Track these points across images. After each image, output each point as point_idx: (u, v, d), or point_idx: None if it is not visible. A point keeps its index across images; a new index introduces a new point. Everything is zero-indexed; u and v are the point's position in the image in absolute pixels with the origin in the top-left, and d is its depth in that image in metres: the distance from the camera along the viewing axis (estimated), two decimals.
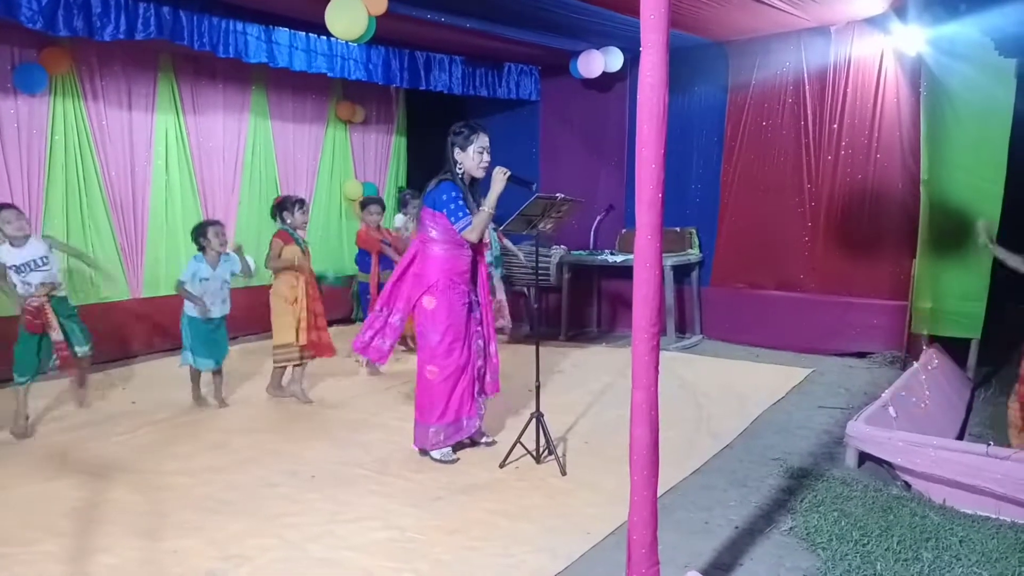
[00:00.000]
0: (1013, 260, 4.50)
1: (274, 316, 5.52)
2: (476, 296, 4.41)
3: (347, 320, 8.12)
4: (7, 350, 4.88)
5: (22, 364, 4.86)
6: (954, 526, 3.35)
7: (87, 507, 3.75)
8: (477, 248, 4.38)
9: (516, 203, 4.14)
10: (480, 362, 4.42)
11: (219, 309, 5.37)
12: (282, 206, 5.60)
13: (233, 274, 5.46)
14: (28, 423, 4.91)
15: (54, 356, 4.90)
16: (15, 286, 4.78)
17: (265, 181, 8.20)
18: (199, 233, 5.33)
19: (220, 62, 6.76)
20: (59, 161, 6.55)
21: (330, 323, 5.99)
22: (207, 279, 5.30)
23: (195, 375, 5.47)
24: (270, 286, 5.63)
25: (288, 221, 5.54)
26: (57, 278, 4.97)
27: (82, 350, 5.03)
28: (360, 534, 3.43)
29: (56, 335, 4.84)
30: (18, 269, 4.77)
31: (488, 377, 4.47)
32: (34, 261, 4.82)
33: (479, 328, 4.42)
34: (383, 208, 6.69)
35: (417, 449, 4.38)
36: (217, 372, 5.49)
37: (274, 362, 5.60)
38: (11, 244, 4.78)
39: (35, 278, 4.81)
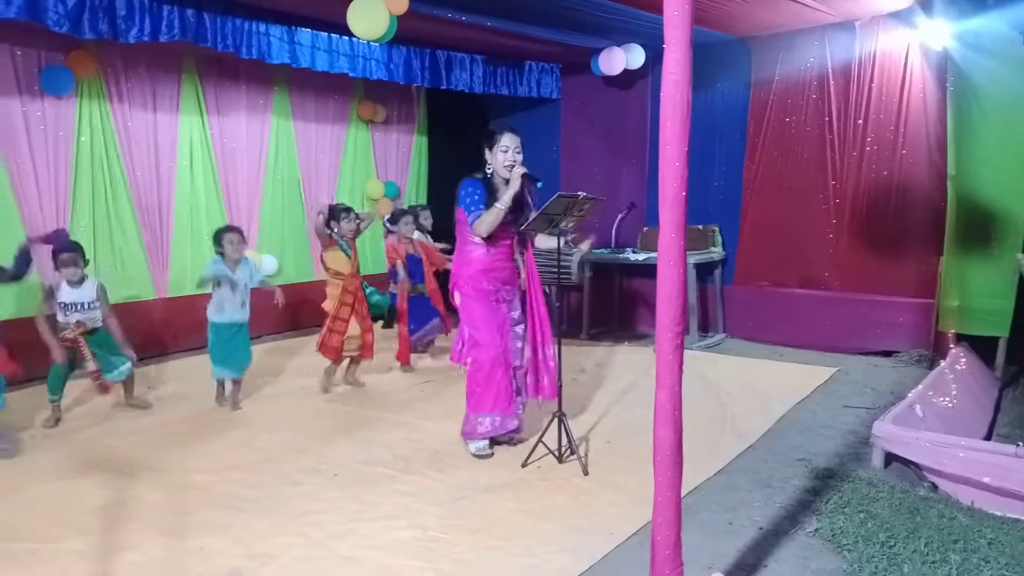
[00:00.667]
0: None
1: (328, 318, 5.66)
2: (511, 295, 4.43)
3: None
4: (29, 348, 4.97)
5: (54, 385, 5.07)
6: (983, 528, 3.29)
7: (112, 505, 3.79)
8: (511, 246, 4.43)
9: (541, 202, 4.15)
10: (517, 362, 4.43)
11: (239, 314, 5.41)
12: (329, 214, 5.69)
13: (258, 281, 5.55)
14: (55, 417, 5.14)
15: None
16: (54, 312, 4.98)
17: (288, 181, 8.26)
18: (216, 239, 5.41)
19: (243, 63, 6.82)
20: (85, 163, 6.64)
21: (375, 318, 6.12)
22: (233, 284, 5.38)
23: (221, 383, 5.54)
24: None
25: (335, 229, 5.65)
26: (97, 322, 5.11)
27: (120, 372, 5.18)
28: (383, 533, 3.44)
29: (91, 365, 5.02)
30: (65, 307, 4.97)
31: (546, 381, 4.46)
32: (82, 304, 5.02)
33: (520, 327, 4.45)
34: (406, 219, 6.65)
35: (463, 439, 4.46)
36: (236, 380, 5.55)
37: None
38: (68, 283, 5.00)
39: (75, 317, 5.00)
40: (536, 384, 4.49)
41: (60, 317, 4.97)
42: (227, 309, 5.35)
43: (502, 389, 4.34)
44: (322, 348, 5.65)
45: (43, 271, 5.57)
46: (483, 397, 4.32)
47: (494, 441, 4.48)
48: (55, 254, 5.02)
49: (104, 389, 5.17)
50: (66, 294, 4.98)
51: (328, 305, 5.67)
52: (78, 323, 4.98)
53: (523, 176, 4.20)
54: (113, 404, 5.42)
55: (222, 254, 5.35)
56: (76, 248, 5.06)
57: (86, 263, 5.11)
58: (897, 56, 6.53)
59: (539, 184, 4.31)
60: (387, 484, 4.02)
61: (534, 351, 4.45)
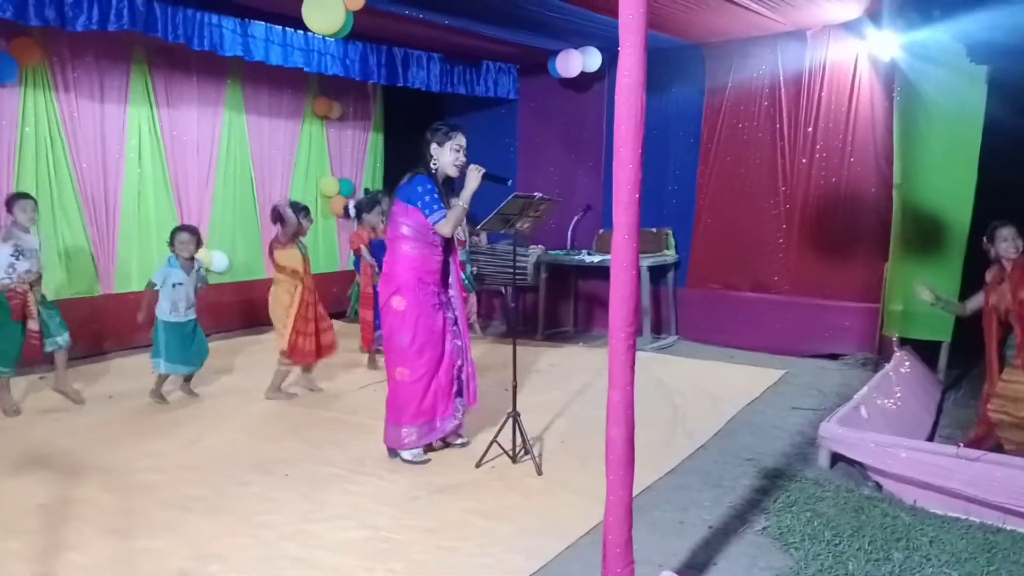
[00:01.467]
0: (956, 307, 4.78)
1: (276, 321, 5.54)
2: (447, 296, 4.37)
3: (341, 315, 8.12)
4: None
5: (6, 356, 4.96)
6: (924, 526, 3.39)
7: (56, 504, 3.69)
8: (449, 247, 4.35)
9: (492, 202, 4.13)
10: (460, 362, 4.38)
11: (192, 313, 5.40)
12: (280, 212, 5.58)
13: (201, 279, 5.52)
14: (15, 403, 5.11)
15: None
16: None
17: (240, 176, 8.12)
18: (171, 239, 5.37)
19: (195, 55, 6.68)
20: (30, 153, 6.45)
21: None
22: (181, 284, 5.31)
23: (162, 379, 5.43)
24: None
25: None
26: (41, 269, 5.10)
27: (63, 339, 5.15)
28: (334, 533, 3.41)
29: (33, 324, 4.97)
30: (19, 253, 4.91)
31: (471, 386, 4.42)
32: (33, 250, 5.01)
33: (455, 328, 4.38)
34: (375, 209, 6.59)
35: (387, 448, 4.35)
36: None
37: (280, 363, 5.57)
38: (20, 230, 5.00)
39: (23, 266, 4.94)
40: (459, 383, 4.41)
41: (2, 271, 4.87)
42: (181, 308, 5.31)
43: (440, 394, 4.26)
44: (293, 355, 5.49)
45: None
46: (419, 409, 4.20)
47: (445, 443, 4.45)
48: (9, 200, 5.09)
49: (36, 354, 5.09)
50: (25, 240, 4.96)
51: (279, 309, 5.49)
52: (27, 272, 4.93)
53: (486, 176, 4.12)
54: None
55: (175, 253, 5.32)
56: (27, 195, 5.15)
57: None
58: (846, 66, 6.67)
59: (510, 182, 4.28)
60: (339, 484, 3.98)
61: (464, 348, 4.41)
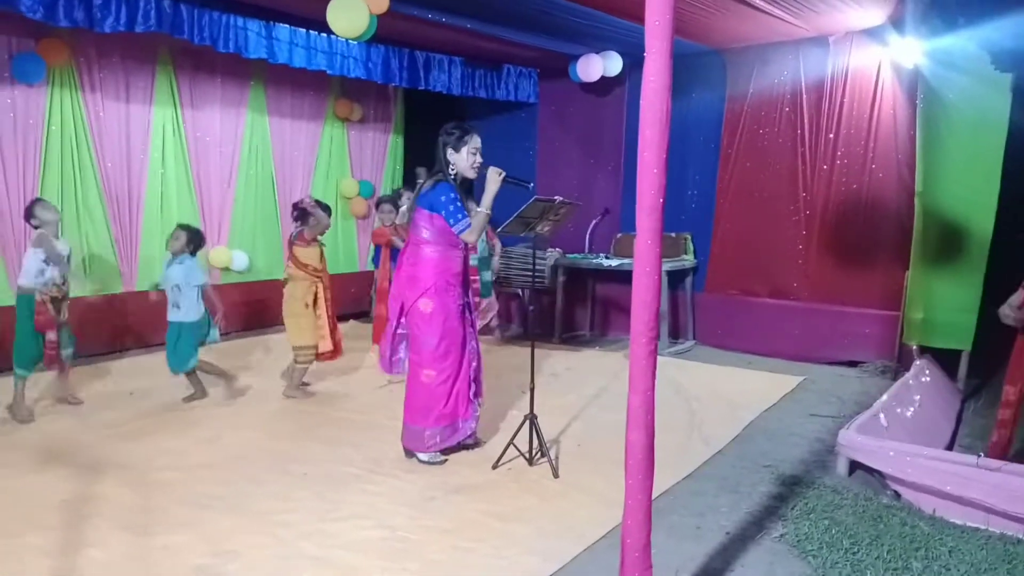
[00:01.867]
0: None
1: (291, 318, 5.57)
2: (467, 299, 4.39)
3: (363, 315, 8.19)
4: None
5: (23, 358, 4.97)
6: (944, 536, 3.36)
7: (76, 501, 3.73)
8: (468, 250, 4.37)
9: (511, 205, 4.14)
10: (475, 363, 4.40)
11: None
12: (307, 210, 5.64)
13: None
14: (29, 410, 5.05)
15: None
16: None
17: (261, 177, 8.19)
18: (201, 234, 5.48)
19: (219, 57, 6.74)
20: (55, 152, 6.53)
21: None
22: (205, 284, 5.41)
23: (196, 373, 5.51)
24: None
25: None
26: (68, 276, 5.10)
27: (66, 353, 5.15)
28: (351, 533, 3.43)
29: (52, 335, 4.97)
30: (50, 260, 4.92)
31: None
32: (59, 255, 5.00)
33: (471, 329, 4.40)
34: (396, 208, 6.66)
35: (404, 449, 4.36)
36: None
37: (296, 362, 5.62)
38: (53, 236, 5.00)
39: (51, 272, 4.95)
40: (477, 384, 4.43)
41: (33, 275, 4.89)
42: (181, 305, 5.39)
43: (461, 396, 4.29)
44: (331, 353, 5.66)
45: None
46: (444, 410, 4.21)
47: (460, 444, 4.45)
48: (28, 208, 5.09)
49: (53, 362, 5.09)
50: (54, 245, 4.96)
51: (295, 306, 5.53)
52: (54, 278, 4.95)
53: (507, 179, 4.12)
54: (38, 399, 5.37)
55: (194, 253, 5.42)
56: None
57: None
58: (869, 72, 6.64)
59: (531, 185, 4.28)
60: (355, 484, 4.01)
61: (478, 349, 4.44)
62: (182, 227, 5.48)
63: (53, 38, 6.25)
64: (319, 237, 5.65)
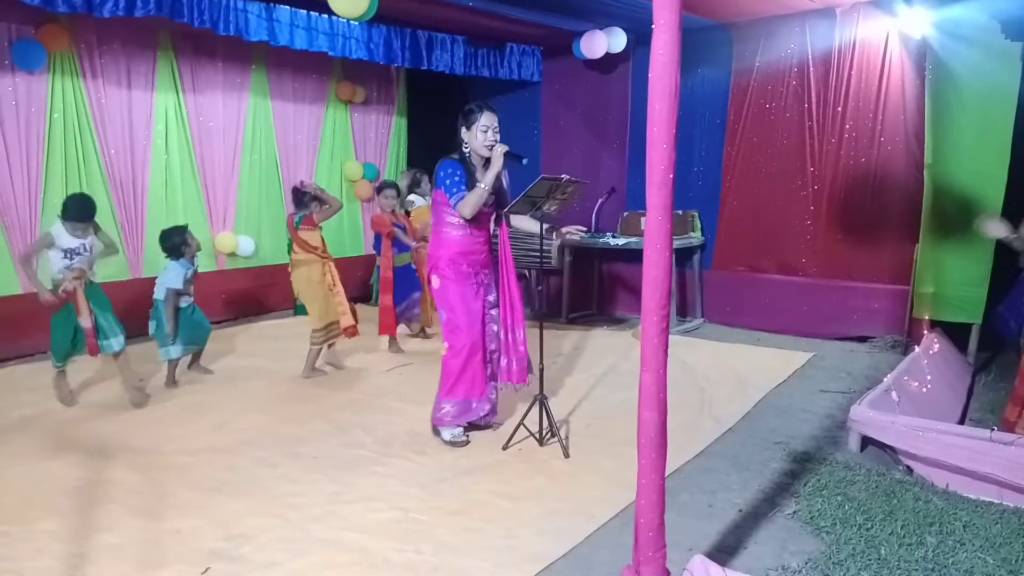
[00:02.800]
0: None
1: (311, 302, 5.62)
2: (488, 278, 4.37)
3: (365, 300, 8.17)
4: (13, 328, 4.89)
5: (59, 351, 4.96)
6: (958, 511, 3.35)
7: (88, 486, 3.74)
8: (488, 229, 4.37)
9: (519, 185, 4.11)
10: (493, 346, 4.39)
11: (189, 298, 5.54)
12: (320, 196, 5.68)
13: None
14: (71, 393, 5.11)
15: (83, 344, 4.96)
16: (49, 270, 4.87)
17: (265, 161, 8.15)
18: (182, 239, 5.43)
19: (220, 40, 6.69)
20: (58, 139, 6.51)
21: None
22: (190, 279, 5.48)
23: (175, 364, 5.53)
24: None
25: (315, 210, 5.66)
26: (94, 272, 5.02)
27: (117, 341, 4.98)
28: (362, 515, 3.43)
29: (85, 322, 4.86)
30: (69, 253, 4.83)
31: (515, 366, 4.37)
32: (84, 245, 4.91)
33: (495, 311, 4.39)
34: (398, 192, 6.64)
35: (432, 426, 4.39)
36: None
37: (312, 343, 5.69)
38: (68, 233, 4.85)
39: (78, 262, 4.87)
40: (507, 369, 4.40)
41: (58, 268, 4.82)
42: (190, 291, 5.52)
43: (476, 375, 4.30)
44: (349, 331, 5.72)
45: None
46: (456, 383, 4.26)
47: (471, 426, 4.45)
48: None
49: (95, 352, 4.97)
50: (67, 239, 4.84)
51: (309, 287, 5.60)
52: (78, 271, 4.83)
53: (505, 154, 4.12)
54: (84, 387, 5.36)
55: (182, 254, 5.45)
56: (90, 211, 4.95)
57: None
58: (877, 44, 6.55)
59: (524, 161, 4.25)
60: (366, 466, 4.01)
61: (505, 334, 4.38)
62: (186, 229, 5.55)
63: (53, 24, 6.21)
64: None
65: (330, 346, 5.87)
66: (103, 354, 4.97)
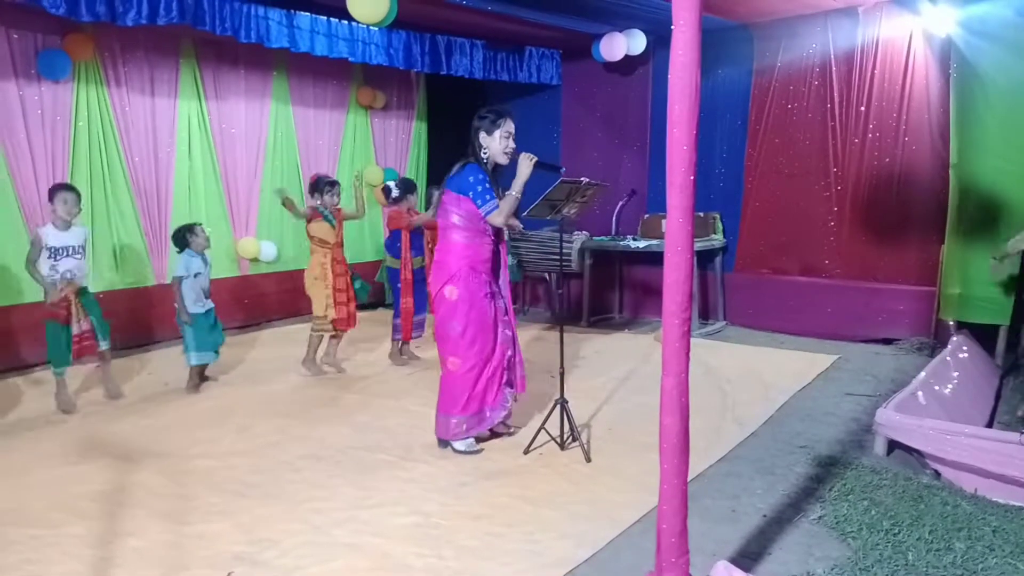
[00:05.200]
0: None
1: (310, 289, 5.91)
2: (498, 286, 4.34)
3: (376, 305, 8.19)
4: (10, 337, 4.95)
5: (57, 357, 5.00)
6: (987, 516, 3.29)
7: (113, 490, 3.78)
8: (498, 236, 4.31)
9: (540, 189, 4.09)
10: (510, 352, 4.34)
11: (210, 302, 5.54)
12: (315, 186, 5.92)
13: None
14: (71, 400, 5.12)
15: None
16: (44, 275, 4.89)
17: (287, 167, 8.21)
18: (186, 231, 5.46)
19: (242, 47, 6.76)
20: (83, 147, 6.58)
21: (376, 305, 6.37)
22: (200, 273, 5.43)
23: (199, 370, 5.58)
24: (300, 272, 5.98)
25: (319, 203, 5.86)
26: (83, 270, 5.08)
27: (105, 342, 5.17)
28: (385, 519, 3.43)
29: (76, 327, 4.97)
30: (54, 252, 4.87)
31: (518, 373, 4.38)
32: (72, 247, 4.97)
33: (505, 317, 4.35)
34: (416, 192, 6.64)
35: (438, 439, 4.33)
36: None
37: (311, 330, 5.97)
38: (54, 226, 4.92)
39: (65, 264, 4.92)
40: (510, 371, 4.39)
41: (46, 270, 4.86)
42: (203, 297, 5.47)
43: (492, 384, 4.24)
44: (349, 322, 5.97)
45: None
46: (470, 399, 4.18)
47: (492, 433, 4.42)
48: (51, 191, 5.02)
49: (87, 352, 5.10)
50: (53, 238, 4.87)
51: (315, 271, 5.84)
52: (70, 279, 4.91)
53: (538, 164, 4.06)
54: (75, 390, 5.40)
55: (188, 244, 5.44)
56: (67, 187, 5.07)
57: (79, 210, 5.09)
58: (900, 42, 6.48)
59: (562, 170, 4.24)
60: (388, 470, 4.01)
61: (514, 337, 4.37)
62: (198, 224, 5.64)
63: (78, 33, 6.29)
64: (327, 211, 5.85)
65: (333, 338, 6.03)
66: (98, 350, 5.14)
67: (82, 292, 5.05)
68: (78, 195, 5.04)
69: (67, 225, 4.96)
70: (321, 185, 5.87)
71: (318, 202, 5.85)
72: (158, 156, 7.11)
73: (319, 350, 6.02)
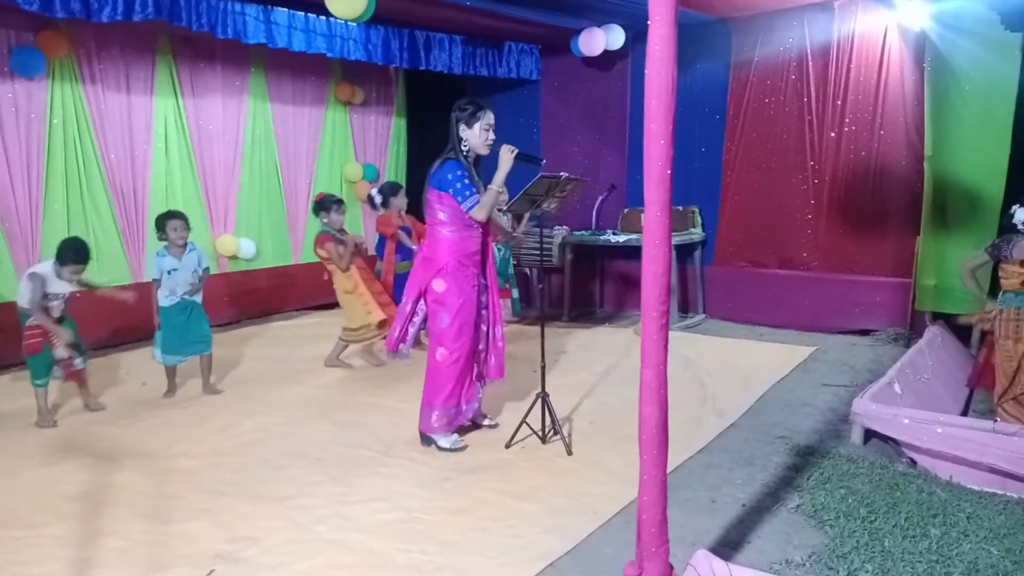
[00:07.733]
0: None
1: (345, 307, 5.91)
2: (485, 279, 4.36)
3: None
4: (20, 333, 4.87)
5: (37, 370, 4.86)
6: (961, 502, 3.35)
7: (94, 491, 3.76)
8: (486, 230, 4.32)
9: (522, 182, 4.10)
10: (482, 346, 4.38)
11: (194, 298, 5.36)
12: (321, 205, 5.84)
13: (202, 268, 5.41)
14: (51, 419, 4.91)
15: (59, 371, 4.94)
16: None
17: (265, 164, 8.15)
18: (159, 226, 5.30)
19: (219, 44, 6.71)
20: (58, 146, 6.50)
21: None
22: (176, 270, 5.25)
23: (170, 371, 5.44)
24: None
25: (325, 221, 5.80)
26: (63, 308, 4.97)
27: (83, 360, 5.04)
28: (368, 515, 3.44)
29: (62, 353, 4.85)
30: (50, 297, 4.80)
31: (493, 361, 4.41)
32: (64, 294, 4.89)
33: (484, 311, 4.37)
34: (400, 194, 6.62)
35: (420, 436, 4.34)
36: (205, 358, 5.46)
37: (340, 338, 6.02)
38: (58, 276, 4.82)
39: (56, 304, 4.86)
40: (487, 364, 4.42)
41: (27, 300, 4.74)
42: (179, 292, 5.27)
43: (468, 378, 4.29)
44: (386, 322, 5.76)
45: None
46: (453, 389, 4.21)
47: (472, 424, 4.45)
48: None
49: (76, 376, 5.02)
50: (55, 285, 4.81)
51: (345, 286, 5.84)
52: (58, 317, 4.85)
53: (519, 156, 4.06)
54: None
55: (166, 241, 5.26)
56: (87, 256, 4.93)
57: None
58: (875, 37, 6.54)
59: (543, 162, 4.25)
60: (370, 467, 4.02)
61: (487, 331, 4.39)
62: (180, 215, 5.41)
63: (52, 30, 6.21)
64: (331, 230, 5.80)
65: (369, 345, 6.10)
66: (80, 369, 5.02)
67: (61, 318, 4.91)
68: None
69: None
70: (327, 203, 5.78)
71: (324, 220, 5.78)
72: (135, 154, 7.04)
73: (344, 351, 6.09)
